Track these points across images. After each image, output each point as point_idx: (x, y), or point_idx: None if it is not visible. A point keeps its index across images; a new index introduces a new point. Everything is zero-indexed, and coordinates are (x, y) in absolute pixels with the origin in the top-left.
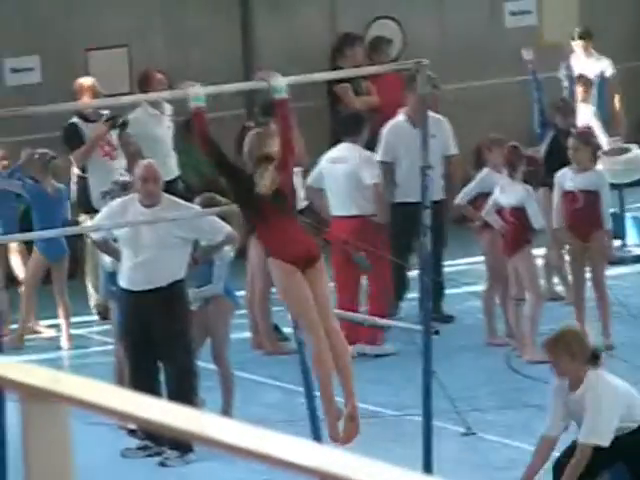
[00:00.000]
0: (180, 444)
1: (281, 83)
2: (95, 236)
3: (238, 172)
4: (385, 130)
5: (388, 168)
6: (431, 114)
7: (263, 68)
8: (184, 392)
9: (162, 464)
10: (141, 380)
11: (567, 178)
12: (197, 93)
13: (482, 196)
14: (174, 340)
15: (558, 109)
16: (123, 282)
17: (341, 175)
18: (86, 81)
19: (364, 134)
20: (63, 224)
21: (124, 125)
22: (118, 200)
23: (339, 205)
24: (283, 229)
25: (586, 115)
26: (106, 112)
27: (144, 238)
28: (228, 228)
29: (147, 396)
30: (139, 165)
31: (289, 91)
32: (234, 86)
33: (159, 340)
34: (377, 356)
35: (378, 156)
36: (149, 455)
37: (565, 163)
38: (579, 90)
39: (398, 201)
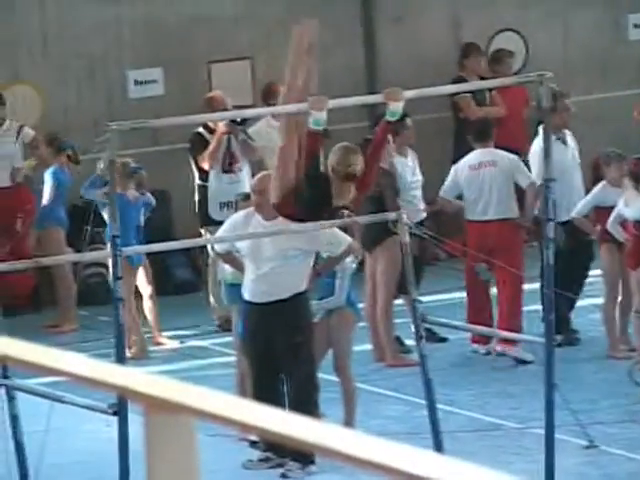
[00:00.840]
0: (302, 456)
1: (398, 109)
2: (219, 248)
3: (323, 182)
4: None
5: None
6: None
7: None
8: (305, 404)
9: (284, 476)
10: (264, 392)
11: None
12: (318, 117)
13: (598, 209)
14: (296, 352)
15: None
16: (246, 294)
17: (490, 178)
18: (216, 94)
19: (493, 139)
20: (137, 230)
21: (244, 122)
22: (241, 213)
23: (488, 209)
24: None
25: None
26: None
27: (265, 251)
28: (349, 239)
29: (269, 407)
30: (255, 177)
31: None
32: (356, 99)
33: (281, 352)
34: (517, 361)
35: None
36: (271, 467)
37: None
38: None
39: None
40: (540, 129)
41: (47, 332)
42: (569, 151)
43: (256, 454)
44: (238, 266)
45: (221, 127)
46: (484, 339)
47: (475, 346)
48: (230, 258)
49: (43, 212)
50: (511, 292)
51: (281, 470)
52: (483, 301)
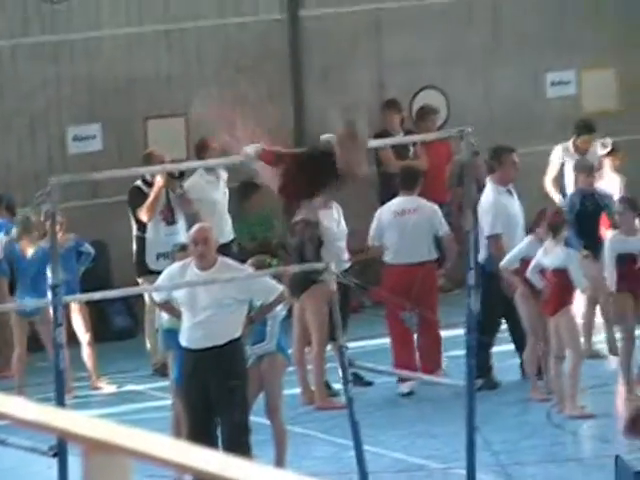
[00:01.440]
0: None
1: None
2: (157, 298)
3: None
4: (488, 201)
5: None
6: None
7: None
8: (239, 447)
9: None
10: (198, 434)
11: (618, 241)
12: (249, 158)
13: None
14: (231, 396)
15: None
16: (183, 341)
17: (412, 225)
18: (154, 150)
19: (419, 188)
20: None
21: (181, 175)
22: (177, 263)
23: (408, 253)
24: None
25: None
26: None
27: (201, 300)
28: (280, 287)
29: (204, 449)
30: (192, 228)
31: None
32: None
33: (216, 396)
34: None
35: (490, 229)
36: None
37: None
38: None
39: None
40: (488, 182)
41: None
42: (516, 202)
43: None
44: (175, 314)
45: (159, 181)
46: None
47: (401, 386)
48: (168, 307)
49: None
50: (432, 333)
51: None
52: (407, 342)
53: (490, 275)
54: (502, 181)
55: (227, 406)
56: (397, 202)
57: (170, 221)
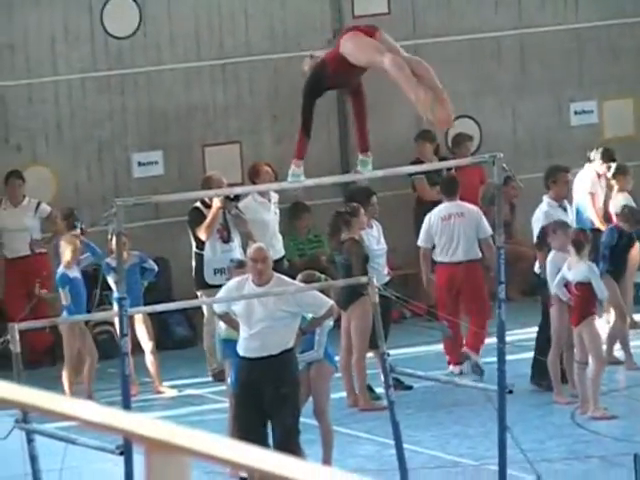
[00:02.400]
0: None
1: (368, 162)
2: (218, 310)
3: None
4: (541, 213)
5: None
6: None
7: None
8: (290, 448)
9: None
10: (251, 436)
11: None
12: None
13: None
14: (283, 402)
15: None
16: (240, 350)
17: (459, 227)
18: (214, 175)
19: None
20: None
21: (236, 199)
22: (236, 279)
23: (457, 253)
24: None
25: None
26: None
27: (257, 313)
28: (330, 302)
29: (257, 448)
30: (251, 248)
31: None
32: (331, 179)
33: (270, 402)
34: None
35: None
36: None
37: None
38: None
39: None
40: (544, 198)
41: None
42: (568, 216)
43: None
44: (233, 325)
45: (217, 203)
46: (457, 360)
47: (451, 367)
48: (227, 318)
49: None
50: (478, 321)
51: None
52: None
53: (545, 282)
54: (556, 197)
55: (279, 411)
56: (443, 208)
57: (226, 239)
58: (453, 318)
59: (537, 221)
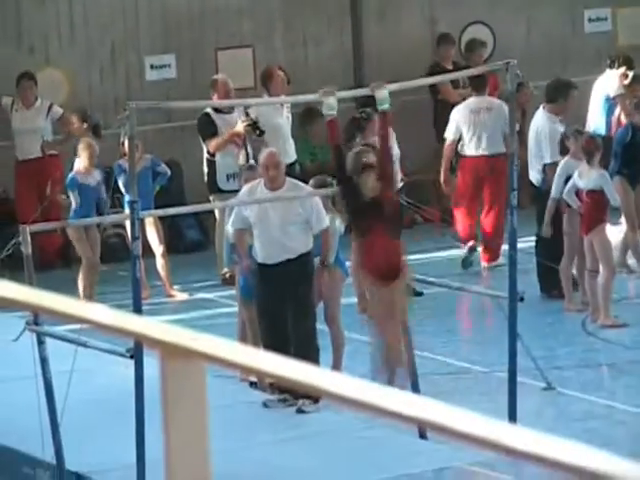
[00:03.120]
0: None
1: (385, 96)
2: (234, 226)
3: (349, 180)
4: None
5: None
6: None
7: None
8: (311, 348)
9: (300, 411)
10: (274, 338)
11: None
12: (331, 105)
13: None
14: (302, 302)
15: (637, 107)
16: (258, 258)
17: (489, 120)
18: (220, 77)
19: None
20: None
21: (262, 133)
22: (248, 184)
23: (483, 146)
24: (376, 244)
25: None
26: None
27: (270, 218)
28: (325, 225)
29: (269, 353)
30: (262, 153)
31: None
32: (350, 93)
33: (290, 306)
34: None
35: (551, 157)
36: (288, 406)
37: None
38: None
39: None
40: (541, 110)
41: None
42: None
43: (256, 392)
44: (243, 245)
45: (239, 128)
46: (469, 238)
47: (463, 246)
48: (240, 235)
49: None
50: (496, 215)
51: (296, 407)
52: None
53: (547, 194)
54: (559, 112)
55: (299, 314)
56: (472, 101)
57: (239, 145)
58: (472, 211)
59: (545, 140)
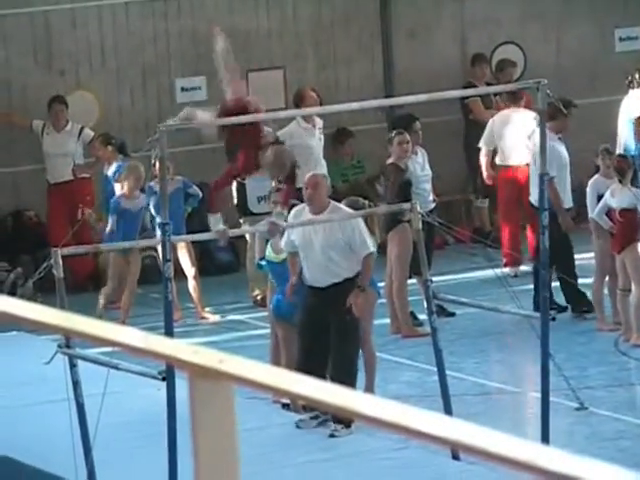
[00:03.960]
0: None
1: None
2: (286, 248)
3: None
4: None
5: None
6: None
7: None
8: (348, 376)
9: (332, 436)
10: (309, 364)
11: None
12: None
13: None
14: (345, 329)
15: None
16: (306, 280)
17: (522, 132)
18: (250, 99)
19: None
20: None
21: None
22: (296, 208)
23: (519, 157)
24: None
25: None
26: (268, 129)
27: (314, 243)
28: (370, 249)
29: (299, 375)
30: (307, 176)
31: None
32: (374, 102)
33: (333, 330)
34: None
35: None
36: (319, 424)
37: None
38: None
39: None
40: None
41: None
42: (564, 148)
43: (291, 415)
44: (295, 270)
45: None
46: (512, 263)
47: (506, 269)
48: (292, 260)
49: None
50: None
51: (328, 431)
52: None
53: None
54: (559, 130)
55: (343, 338)
56: (506, 113)
57: None
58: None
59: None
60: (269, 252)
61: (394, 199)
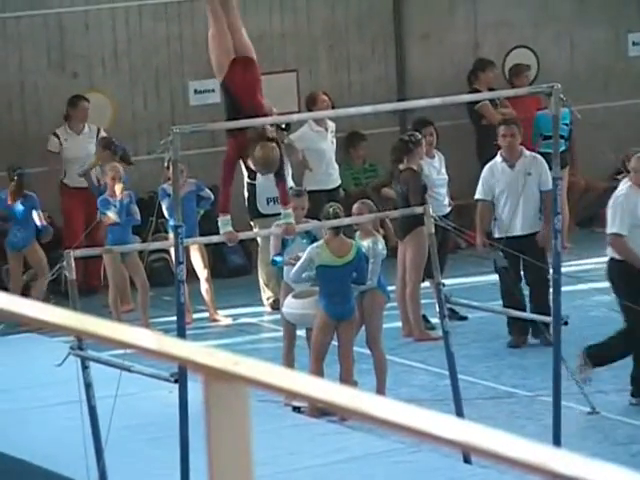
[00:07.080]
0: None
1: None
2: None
3: None
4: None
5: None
6: (527, 153)
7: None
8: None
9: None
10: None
11: None
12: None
13: None
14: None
15: None
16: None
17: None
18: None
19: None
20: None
21: (287, 127)
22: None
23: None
24: None
25: None
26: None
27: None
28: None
29: (311, 377)
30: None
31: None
32: (390, 105)
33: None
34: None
35: (477, 194)
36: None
37: None
38: None
39: (498, 236)
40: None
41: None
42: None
43: (301, 417)
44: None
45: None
46: None
47: None
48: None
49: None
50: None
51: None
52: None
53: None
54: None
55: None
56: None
57: None
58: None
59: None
60: (327, 255)
61: (412, 203)
